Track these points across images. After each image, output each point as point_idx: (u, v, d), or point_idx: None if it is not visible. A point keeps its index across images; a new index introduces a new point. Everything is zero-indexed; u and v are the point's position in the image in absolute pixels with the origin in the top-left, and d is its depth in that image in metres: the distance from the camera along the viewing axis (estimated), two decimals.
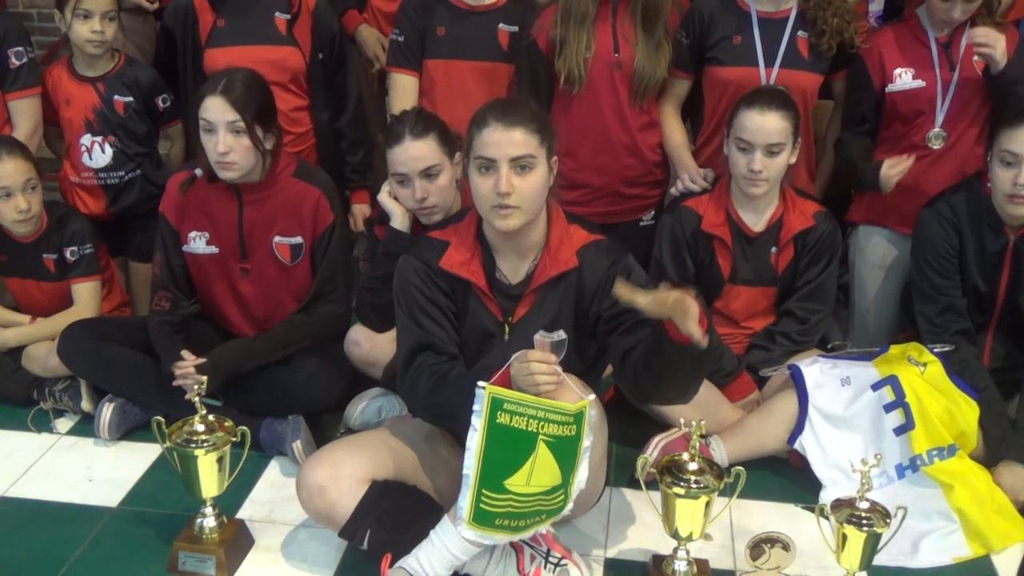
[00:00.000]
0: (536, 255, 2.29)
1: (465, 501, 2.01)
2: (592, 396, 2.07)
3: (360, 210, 3.40)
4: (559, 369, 2.06)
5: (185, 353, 2.70)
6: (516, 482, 2.01)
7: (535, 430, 1.99)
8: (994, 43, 2.80)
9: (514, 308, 2.30)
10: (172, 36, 3.25)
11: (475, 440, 1.98)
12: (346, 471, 2.24)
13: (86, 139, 3.25)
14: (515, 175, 2.15)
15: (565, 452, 2.04)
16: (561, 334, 2.29)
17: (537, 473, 2.01)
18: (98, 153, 3.26)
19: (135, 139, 3.29)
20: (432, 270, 2.28)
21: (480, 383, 1.98)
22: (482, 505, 2.01)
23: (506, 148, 2.15)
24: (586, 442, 2.07)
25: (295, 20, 3.21)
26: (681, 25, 3.01)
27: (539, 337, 2.29)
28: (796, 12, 2.94)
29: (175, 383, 2.66)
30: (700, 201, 2.93)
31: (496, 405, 1.97)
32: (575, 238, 2.29)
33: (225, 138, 2.62)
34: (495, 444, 1.98)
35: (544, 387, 2.03)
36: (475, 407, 1.98)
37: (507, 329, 2.30)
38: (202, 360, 2.68)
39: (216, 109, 2.62)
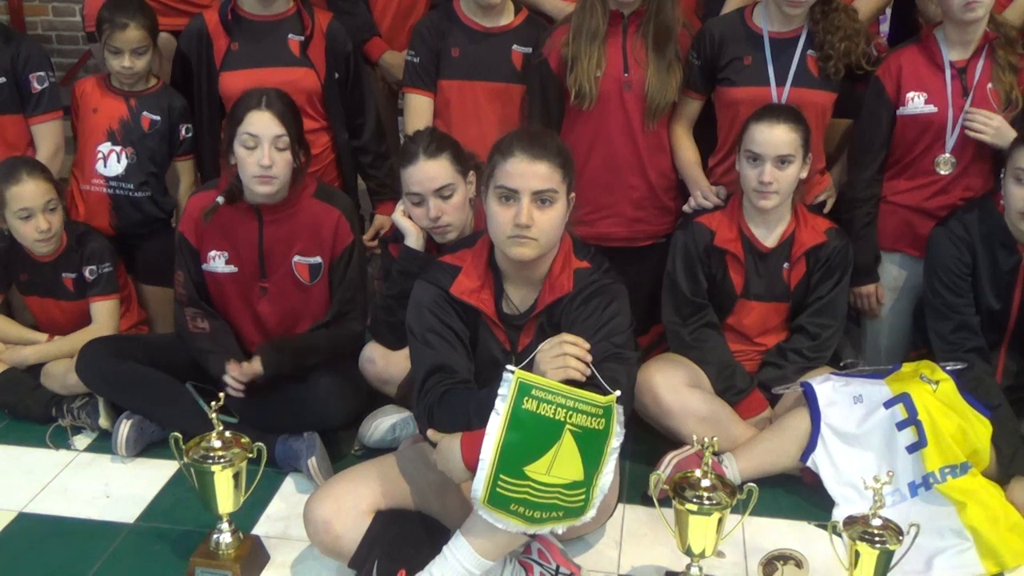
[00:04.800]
0: (542, 285, 2.29)
1: (480, 484, 1.97)
2: (618, 392, 2.05)
3: (385, 221, 3.39)
4: (589, 358, 2.07)
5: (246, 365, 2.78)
6: (536, 469, 1.98)
7: (563, 419, 1.97)
8: (983, 126, 2.84)
9: (519, 337, 2.31)
10: (187, 61, 3.29)
11: (495, 424, 1.97)
12: (349, 503, 2.25)
13: (104, 147, 3.28)
14: (536, 208, 2.16)
15: (591, 446, 2.01)
16: None
17: (559, 463, 1.99)
18: (113, 162, 3.28)
19: (151, 158, 3.32)
20: (446, 294, 2.28)
21: (509, 367, 1.98)
22: (498, 488, 1.98)
23: (530, 180, 2.15)
24: (614, 442, 2.04)
25: (309, 42, 3.24)
26: (692, 46, 3.02)
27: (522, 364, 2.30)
28: (806, 31, 2.95)
29: (229, 374, 2.75)
30: (712, 217, 2.95)
31: (524, 390, 1.97)
32: (575, 265, 2.30)
33: (270, 152, 2.66)
34: (518, 429, 1.96)
35: (572, 370, 2.04)
36: (500, 391, 1.97)
37: (513, 359, 2.29)
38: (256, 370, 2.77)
39: (263, 123, 2.66)
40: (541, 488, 1.99)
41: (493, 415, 1.97)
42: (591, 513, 2.06)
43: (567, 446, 1.99)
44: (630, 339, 2.28)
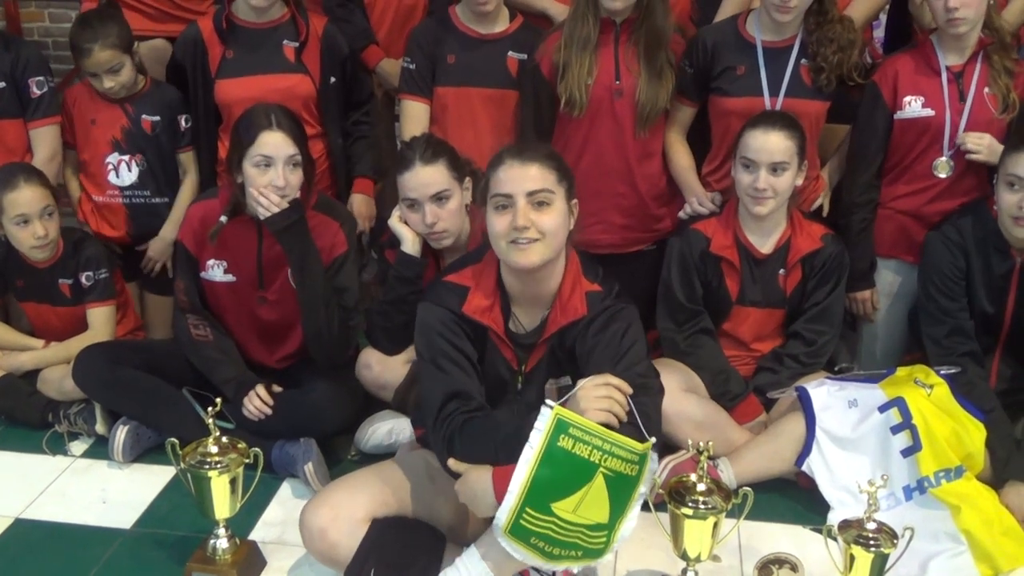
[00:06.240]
0: (550, 305, 2.27)
1: (504, 513, 1.96)
2: (654, 440, 2.04)
3: (363, 200, 3.38)
4: (632, 405, 2.06)
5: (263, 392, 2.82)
6: (563, 507, 1.96)
7: (597, 461, 1.95)
8: (976, 146, 2.87)
9: (527, 357, 2.29)
10: (182, 69, 3.29)
11: (528, 457, 1.95)
12: (346, 512, 2.24)
13: (112, 158, 3.30)
14: (532, 210, 2.14)
15: (620, 491, 2.00)
16: (567, 380, 2.28)
17: (587, 504, 1.97)
18: (124, 171, 3.31)
19: (161, 158, 3.35)
20: (456, 316, 2.24)
21: (549, 401, 1.96)
22: (522, 521, 1.97)
23: (522, 183, 2.14)
24: (642, 488, 2.04)
25: (303, 47, 3.24)
26: (685, 54, 3.02)
27: (548, 385, 2.30)
28: (799, 41, 2.95)
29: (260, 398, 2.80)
30: (708, 224, 2.95)
31: (561, 428, 1.95)
32: (585, 287, 2.27)
33: (284, 172, 2.66)
34: (550, 465, 1.95)
35: (614, 416, 2.02)
36: (537, 424, 1.95)
37: (520, 378, 2.30)
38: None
39: (276, 144, 2.66)
40: (565, 526, 1.98)
41: (527, 447, 1.95)
42: (608, 556, 2.06)
43: (597, 488, 1.97)
44: (651, 366, 2.26)
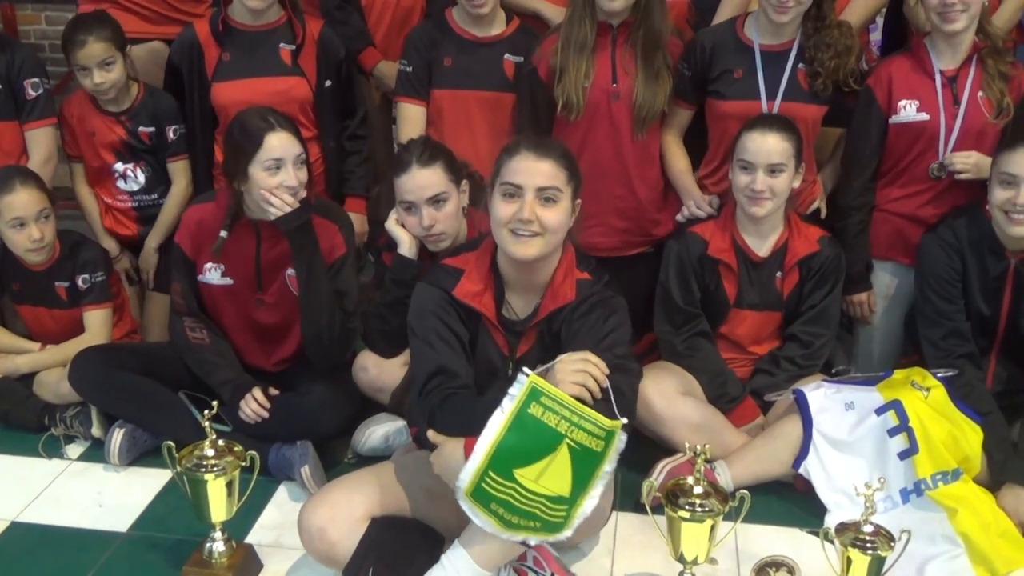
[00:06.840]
0: (543, 292, 2.30)
1: (468, 475, 1.99)
2: (625, 420, 2.07)
3: (355, 219, 3.34)
4: (607, 383, 2.08)
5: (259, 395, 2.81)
6: (526, 475, 2.00)
7: (564, 431, 1.99)
8: (963, 166, 2.88)
9: (518, 344, 2.32)
10: (179, 72, 3.29)
11: (498, 421, 1.98)
12: (344, 511, 2.25)
13: (118, 166, 3.35)
14: (539, 205, 2.18)
15: (584, 465, 2.03)
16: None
17: (549, 474, 2.00)
18: (131, 177, 3.36)
19: (164, 164, 3.38)
20: (449, 296, 2.29)
21: (525, 369, 2.00)
22: (484, 484, 1.99)
23: (534, 177, 2.18)
24: (607, 467, 2.06)
25: (300, 50, 3.24)
26: (683, 57, 3.03)
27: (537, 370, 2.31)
28: (797, 45, 2.95)
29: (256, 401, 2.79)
30: (706, 227, 2.96)
31: (533, 395, 1.98)
32: (576, 276, 2.31)
33: (295, 172, 2.66)
34: (518, 431, 1.98)
35: (588, 391, 2.05)
36: (511, 390, 1.99)
37: (511, 364, 2.31)
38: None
39: (284, 145, 2.65)
40: (525, 494, 2.01)
41: (498, 412, 1.99)
42: (567, 533, 2.07)
43: (561, 459, 2.00)
44: (631, 351, 2.29)
